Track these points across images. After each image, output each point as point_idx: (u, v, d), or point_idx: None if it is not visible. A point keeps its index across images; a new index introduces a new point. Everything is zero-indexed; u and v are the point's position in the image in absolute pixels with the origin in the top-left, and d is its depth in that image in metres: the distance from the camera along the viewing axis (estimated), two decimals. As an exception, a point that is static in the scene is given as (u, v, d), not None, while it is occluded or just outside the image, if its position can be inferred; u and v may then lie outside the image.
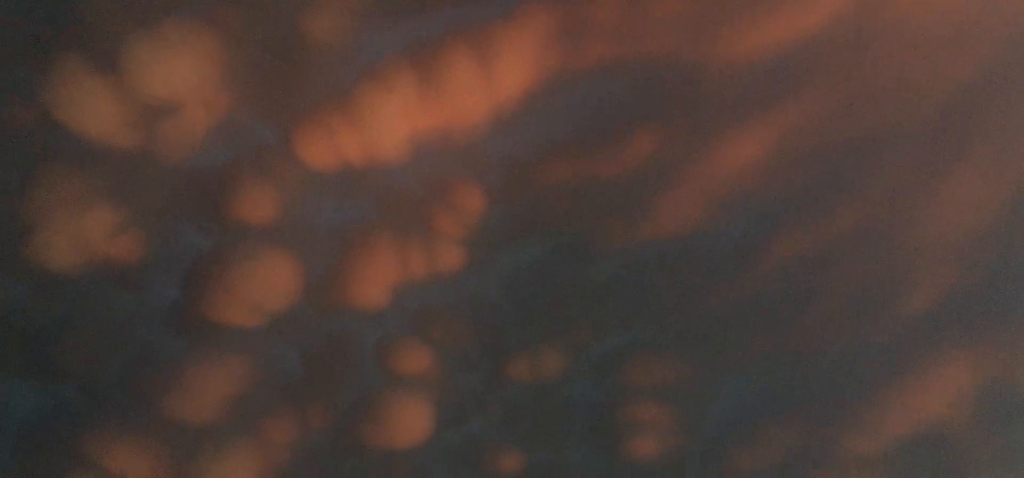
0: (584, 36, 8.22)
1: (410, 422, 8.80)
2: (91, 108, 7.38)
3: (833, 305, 9.63)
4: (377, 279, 8.61)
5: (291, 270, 8.31)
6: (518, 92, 8.23)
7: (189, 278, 8.16)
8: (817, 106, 8.95)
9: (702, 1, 8.26)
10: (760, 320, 9.68)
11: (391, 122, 8.10)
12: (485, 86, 8.11)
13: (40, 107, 7.30)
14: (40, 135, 7.40)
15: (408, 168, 8.39)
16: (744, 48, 8.49)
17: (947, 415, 9.68)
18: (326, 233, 8.50)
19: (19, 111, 7.31)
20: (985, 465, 9.75)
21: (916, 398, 9.64)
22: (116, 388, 8.01)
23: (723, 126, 8.77)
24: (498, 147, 8.52)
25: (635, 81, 8.54)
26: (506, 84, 8.18)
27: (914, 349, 9.59)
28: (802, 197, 9.29)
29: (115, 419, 8.01)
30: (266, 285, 8.21)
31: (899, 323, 9.56)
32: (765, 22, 8.51)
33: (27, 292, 7.65)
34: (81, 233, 7.56)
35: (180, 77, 7.46)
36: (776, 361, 9.85)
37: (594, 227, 8.99)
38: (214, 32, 7.61)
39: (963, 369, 9.55)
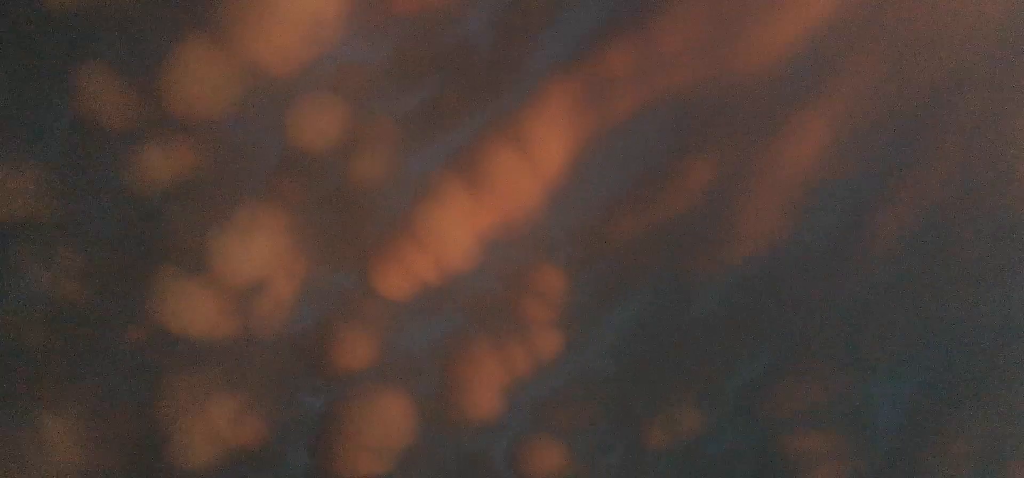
0: (608, 90, 8.41)
1: (560, 520, 8.66)
2: (191, 309, 8.14)
3: (963, 263, 8.98)
4: (487, 386, 8.73)
5: (404, 403, 8.59)
6: (562, 163, 8.44)
7: (316, 441, 8.57)
8: (864, 73, 8.68)
9: (707, 21, 8.34)
10: (892, 307, 9.11)
11: (454, 232, 8.44)
12: (530, 168, 8.38)
13: (149, 323, 8.13)
14: (154, 348, 8.20)
15: (483, 270, 8.64)
16: (767, 46, 8.42)
17: None
18: (426, 357, 8.77)
19: (133, 332, 8.16)
20: None
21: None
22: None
23: (774, 127, 8.63)
24: (560, 221, 8.67)
25: (673, 115, 8.58)
26: (549, 159, 8.42)
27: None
28: (883, 168, 8.89)
29: None
30: (386, 425, 8.49)
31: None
32: (780, 16, 8.45)
33: (175, 496, 8.25)
34: (209, 427, 8.17)
35: (259, 255, 8.14)
36: (929, 345, 9.16)
37: (679, 265, 8.88)
38: (278, 205, 8.33)
39: None
